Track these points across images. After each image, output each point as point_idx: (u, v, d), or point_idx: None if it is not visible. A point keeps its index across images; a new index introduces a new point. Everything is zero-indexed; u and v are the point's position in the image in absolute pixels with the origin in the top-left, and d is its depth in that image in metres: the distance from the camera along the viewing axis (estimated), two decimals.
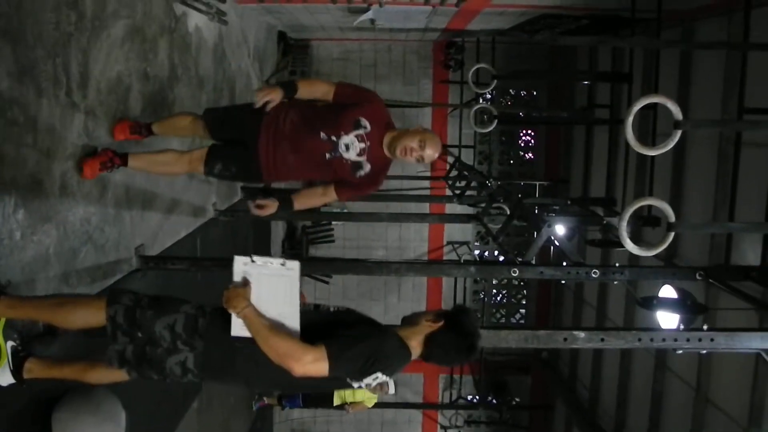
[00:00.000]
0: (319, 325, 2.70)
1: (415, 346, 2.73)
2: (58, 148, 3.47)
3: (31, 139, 3.21)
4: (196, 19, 5.77)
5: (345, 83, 3.88)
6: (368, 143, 3.71)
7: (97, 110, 3.89)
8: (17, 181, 3.12)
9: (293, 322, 2.66)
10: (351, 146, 3.70)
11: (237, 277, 2.69)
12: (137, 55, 4.47)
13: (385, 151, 3.76)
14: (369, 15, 7.90)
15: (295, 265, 2.69)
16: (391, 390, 9.20)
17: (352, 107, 3.73)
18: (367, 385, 2.67)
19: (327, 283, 11.12)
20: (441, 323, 2.74)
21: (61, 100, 3.47)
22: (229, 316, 2.70)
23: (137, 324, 2.83)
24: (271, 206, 3.89)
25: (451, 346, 2.76)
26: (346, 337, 2.63)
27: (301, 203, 4.04)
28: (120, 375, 2.97)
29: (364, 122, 3.70)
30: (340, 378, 2.65)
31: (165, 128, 4.26)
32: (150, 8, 4.69)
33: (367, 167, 3.76)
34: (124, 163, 3.95)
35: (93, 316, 2.91)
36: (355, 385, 2.65)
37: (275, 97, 3.63)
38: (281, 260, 2.70)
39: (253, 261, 2.69)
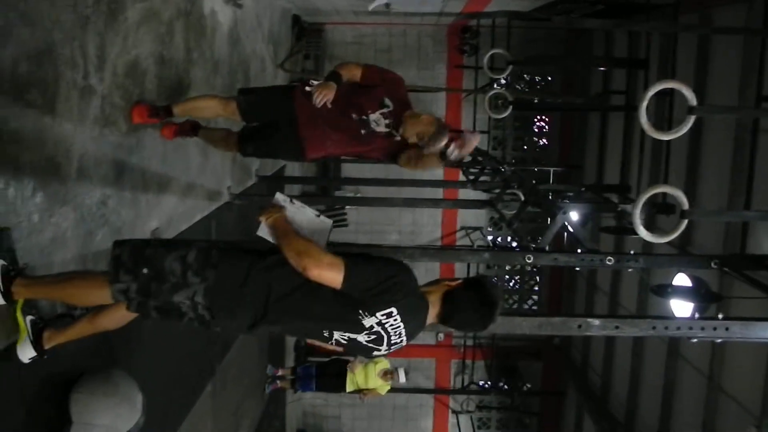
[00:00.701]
0: None
1: (434, 302, 2.67)
2: (76, 130, 3.49)
3: (49, 121, 3.23)
4: (211, 3, 5.77)
5: (371, 65, 4.31)
6: (392, 119, 4.14)
7: (114, 93, 3.91)
8: (35, 164, 3.14)
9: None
10: (379, 122, 4.14)
11: (276, 201, 2.86)
12: (153, 38, 4.48)
13: (400, 128, 4.14)
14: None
15: (328, 222, 2.88)
16: (402, 379, 9.23)
17: (377, 88, 4.16)
18: (378, 332, 2.59)
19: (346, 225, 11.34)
20: (460, 281, 2.72)
21: (79, 84, 3.49)
22: (242, 249, 2.79)
23: (145, 259, 2.75)
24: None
25: (468, 306, 2.66)
26: (367, 256, 2.64)
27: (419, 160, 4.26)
28: (127, 313, 2.90)
29: (387, 101, 4.14)
30: (351, 303, 2.57)
31: (187, 110, 4.50)
32: None
33: (398, 136, 4.17)
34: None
35: (105, 292, 2.81)
36: (366, 323, 2.57)
37: (331, 94, 4.02)
38: (317, 212, 2.86)
39: (292, 202, 2.86)
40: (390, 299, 2.55)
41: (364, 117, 4.12)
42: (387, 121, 4.13)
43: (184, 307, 2.70)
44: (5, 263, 2.89)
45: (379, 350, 2.68)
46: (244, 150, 4.55)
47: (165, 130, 4.65)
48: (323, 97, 3.98)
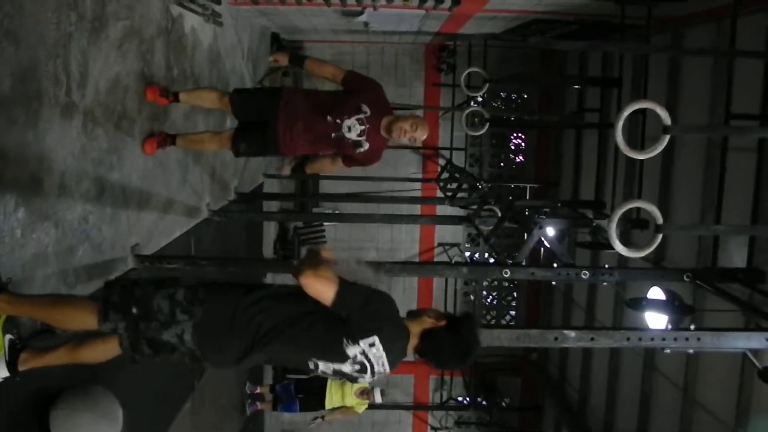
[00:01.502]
0: None
1: (414, 334, 2.77)
2: (58, 146, 3.51)
3: (32, 137, 3.25)
4: (192, 21, 5.82)
5: (353, 72, 4.55)
6: (367, 125, 4.37)
7: (96, 110, 3.93)
8: (18, 180, 3.16)
9: None
10: (352, 128, 4.37)
11: None
12: (135, 55, 4.52)
13: (383, 133, 4.42)
14: (363, 18, 7.96)
15: None
16: (378, 399, 9.23)
17: (355, 94, 4.41)
18: (362, 362, 2.64)
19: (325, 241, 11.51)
20: (443, 322, 2.79)
21: (61, 100, 3.51)
22: (228, 286, 2.88)
23: (134, 298, 2.82)
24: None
25: (446, 346, 2.78)
26: (359, 284, 2.70)
27: (314, 168, 5.10)
28: (113, 347, 2.97)
29: (365, 107, 4.37)
30: (336, 333, 2.63)
31: (191, 98, 4.98)
32: (147, 10, 4.74)
33: (366, 146, 4.44)
34: (174, 143, 4.92)
35: (89, 318, 2.91)
36: (350, 353, 2.63)
37: (282, 60, 4.64)
38: None
39: None
40: (373, 327, 2.63)
41: (339, 121, 4.37)
42: (361, 127, 4.37)
43: (173, 341, 2.78)
44: (13, 338, 2.91)
45: (364, 378, 2.76)
46: (236, 149, 4.75)
47: (146, 145, 4.70)
48: (275, 57, 4.65)
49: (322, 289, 2.58)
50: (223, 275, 5.26)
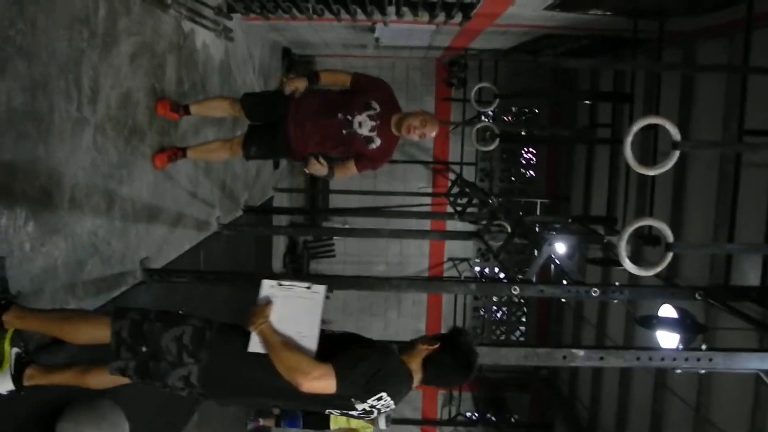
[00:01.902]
0: (326, 346, 2.73)
1: (416, 370, 2.77)
2: (69, 161, 3.51)
3: (43, 152, 3.26)
4: (203, 36, 5.85)
5: (360, 73, 4.58)
6: (378, 121, 4.39)
7: (107, 125, 3.94)
8: (28, 194, 3.16)
9: (311, 343, 2.72)
10: (363, 124, 4.38)
11: (261, 297, 2.81)
12: (146, 71, 4.53)
13: (393, 130, 4.43)
14: (375, 34, 7.98)
15: (320, 289, 2.83)
16: (383, 425, 9.12)
17: (364, 92, 4.46)
18: (370, 410, 2.67)
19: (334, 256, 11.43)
20: (437, 345, 2.78)
21: (72, 115, 3.52)
22: (236, 329, 2.81)
23: (143, 337, 2.84)
24: (324, 167, 4.38)
25: (449, 366, 2.79)
26: (352, 354, 2.67)
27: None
28: (120, 378, 2.99)
29: (374, 104, 4.40)
30: (344, 397, 2.66)
31: (202, 109, 5.02)
32: (159, 25, 4.76)
33: (378, 141, 4.43)
34: (184, 155, 4.91)
35: (98, 332, 2.93)
36: (359, 407, 2.66)
37: (301, 86, 4.45)
38: (307, 284, 2.83)
39: (280, 285, 2.82)
40: (380, 389, 2.64)
41: (349, 117, 4.38)
42: (372, 123, 4.38)
43: (179, 384, 2.81)
44: (20, 351, 2.91)
45: (370, 418, 2.83)
46: (247, 152, 4.74)
47: (157, 159, 4.71)
48: (292, 85, 4.42)
49: (322, 387, 2.60)
50: (231, 289, 5.25)
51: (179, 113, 4.86)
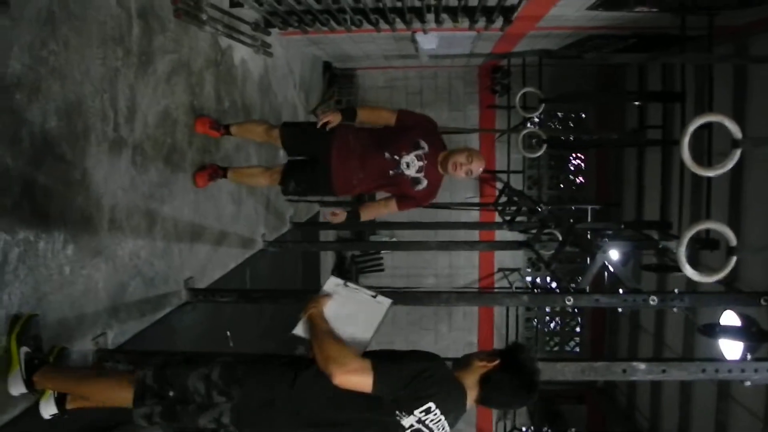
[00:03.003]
0: (371, 356, 2.55)
1: (471, 387, 2.55)
2: (107, 182, 3.49)
3: (80, 174, 3.23)
4: (242, 52, 5.83)
5: (405, 110, 4.39)
6: (425, 162, 4.20)
7: (145, 144, 3.92)
8: (66, 217, 3.13)
9: (360, 347, 2.62)
10: (411, 164, 4.20)
11: (324, 290, 2.85)
12: (184, 88, 4.51)
13: (439, 169, 4.23)
14: (431, 44, 7.87)
15: (386, 301, 2.80)
16: None
17: (412, 130, 4.24)
18: (418, 429, 2.43)
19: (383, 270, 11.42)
20: (496, 362, 2.57)
21: (109, 135, 3.50)
22: (269, 360, 2.69)
23: (168, 381, 2.69)
24: (342, 215, 4.55)
25: (509, 386, 2.55)
26: (395, 354, 2.53)
27: (366, 214, 4.64)
28: (126, 398, 2.77)
29: (423, 144, 4.20)
30: (386, 408, 2.44)
31: (241, 131, 4.95)
32: (196, 42, 4.75)
33: (425, 182, 4.25)
34: (225, 176, 4.87)
35: (126, 394, 2.74)
36: (405, 421, 2.42)
37: (334, 119, 4.25)
38: (373, 293, 2.83)
39: (346, 285, 2.85)
40: (426, 395, 2.43)
41: (397, 157, 4.20)
42: (420, 164, 4.19)
43: (212, 425, 2.63)
44: (29, 350, 2.83)
45: None
46: (285, 188, 4.63)
47: (198, 177, 4.67)
48: (325, 119, 4.25)
49: (357, 382, 2.41)
50: (277, 307, 5.17)
51: (220, 132, 4.82)
